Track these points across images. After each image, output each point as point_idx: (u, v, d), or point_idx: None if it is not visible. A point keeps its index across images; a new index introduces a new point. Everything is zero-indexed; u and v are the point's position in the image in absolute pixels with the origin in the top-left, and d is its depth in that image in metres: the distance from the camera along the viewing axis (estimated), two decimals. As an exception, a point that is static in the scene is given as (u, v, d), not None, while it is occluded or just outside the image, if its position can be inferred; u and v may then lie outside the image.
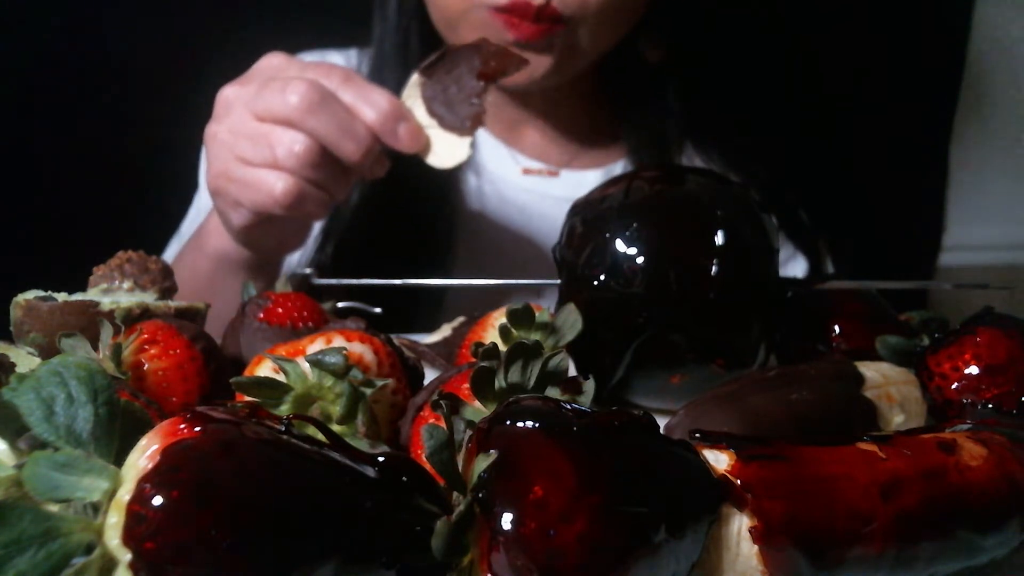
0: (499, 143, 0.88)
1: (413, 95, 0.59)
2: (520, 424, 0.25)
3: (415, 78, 0.59)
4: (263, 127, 0.56)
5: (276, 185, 0.56)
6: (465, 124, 0.58)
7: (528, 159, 0.87)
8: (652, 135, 0.86)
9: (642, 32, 0.78)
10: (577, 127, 0.89)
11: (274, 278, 0.60)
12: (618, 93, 0.87)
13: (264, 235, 0.63)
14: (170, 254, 0.83)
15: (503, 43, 0.66)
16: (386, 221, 0.79)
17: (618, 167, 0.88)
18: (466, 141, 0.58)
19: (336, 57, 0.90)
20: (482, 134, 0.88)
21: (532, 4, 0.66)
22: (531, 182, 0.86)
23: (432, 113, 0.58)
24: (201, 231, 0.69)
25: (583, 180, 0.86)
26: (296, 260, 0.81)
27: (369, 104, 0.57)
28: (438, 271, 0.80)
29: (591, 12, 0.68)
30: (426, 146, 0.58)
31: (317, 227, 0.79)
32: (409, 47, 0.79)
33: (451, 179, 0.84)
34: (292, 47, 0.92)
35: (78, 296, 0.42)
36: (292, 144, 0.55)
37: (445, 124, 0.58)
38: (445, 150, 0.58)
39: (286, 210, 0.57)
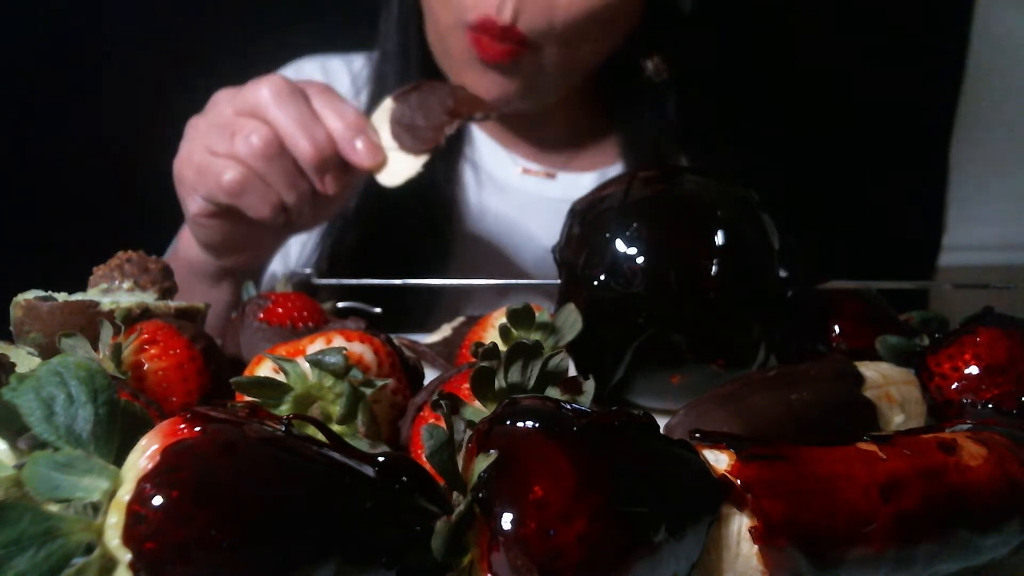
0: (497, 145, 0.88)
1: (382, 118, 0.62)
2: (520, 424, 0.25)
3: (387, 102, 0.62)
4: (236, 119, 0.58)
5: (225, 172, 0.57)
6: (420, 146, 0.61)
7: (526, 161, 0.88)
8: (647, 143, 0.87)
9: (639, 47, 0.78)
10: (573, 131, 0.89)
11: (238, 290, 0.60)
12: (614, 101, 0.88)
13: (219, 235, 0.63)
14: (167, 254, 0.84)
15: (473, 62, 0.70)
16: (385, 222, 0.80)
17: (613, 170, 0.89)
18: (419, 160, 0.61)
19: (337, 62, 0.91)
20: (480, 136, 0.89)
21: (497, 23, 0.67)
22: (528, 184, 0.87)
23: (395, 136, 0.61)
24: (178, 237, 0.71)
25: (579, 182, 0.87)
26: (295, 261, 0.81)
27: (336, 113, 0.58)
28: (438, 271, 0.81)
29: (556, 35, 0.69)
30: (381, 164, 0.60)
31: (319, 229, 0.79)
32: (410, 48, 0.80)
33: (450, 180, 0.85)
34: (296, 51, 0.93)
35: (78, 296, 0.42)
36: (251, 134, 0.57)
37: (404, 147, 0.61)
38: (398, 169, 0.61)
39: (230, 198, 0.58)
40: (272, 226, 0.62)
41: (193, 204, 0.61)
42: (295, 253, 0.81)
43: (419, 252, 0.81)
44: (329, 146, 0.58)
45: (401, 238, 0.81)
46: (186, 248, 0.68)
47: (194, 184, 0.60)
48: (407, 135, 0.60)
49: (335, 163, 0.59)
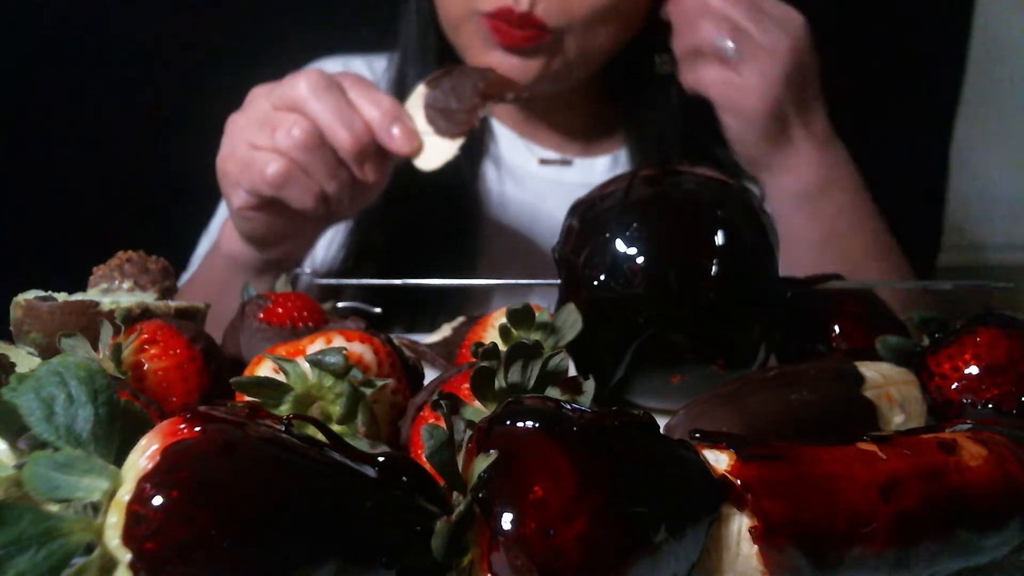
0: (515, 135, 0.90)
1: (416, 104, 0.63)
2: (520, 424, 0.25)
3: (420, 88, 0.64)
4: (275, 114, 0.60)
5: (268, 165, 0.59)
6: (455, 129, 0.62)
7: (542, 149, 0.90)
8: (651, 133, 0.88)
9: (649, 43, 0.79)
10: (586, 120, 0.91)
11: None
12: (621, 90, 0.89)
13: (263, 227, 0.65)
14: (201, 251, 0.85)
15: (492, 45, 0.71)
16: (411, 220, 0.81)
17: (623, 152, 0.91)
18: (455, 144, 0.62)
19: (358, 63, 0.93)
20: (498, 127, 0.91)
21: (514, 11, 0.69)
22: (546, 172, 0.89)
23: (429, 120, 0.62)
24: (219, 234, 0.72)
25: (594, 166, 0.90)
26: (321, 259, 0.82)
27: (372, 103, 0.60)
28: (463, 264, 0.83)
29: (576, 23, 0.71)
30: (418, 150, 0.62)
31: (345, 228, 0.80)
32: (428, 47, 0.82)
33: (472, 172, 0.87)
34: (319, 51, 0.93)
35: (78, 296, 0.42)
36: (292, 127, 0.59)
37: (439, 131, 0.62)
38: (434, 154, 0.62)
39: (274, 190, 0.60)
40: (313, 216, 0.64)
41: (237, 198, 0.62)
42: (321, 252, 0.82)
43: (445, 248, 0.83)
44: (367, 135, 0.60)
45: (427, 235, 0.83)
46: (228, 243, 0.70)
47: (238, 178, 0.61)
48: (442, 119, 0.62)
49: (373, 151, 0.61)
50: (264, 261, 0.69)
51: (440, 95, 0.63)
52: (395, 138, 0.60)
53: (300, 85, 0.59)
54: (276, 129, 0.59)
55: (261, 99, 0.61)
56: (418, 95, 0.63)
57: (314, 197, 0.61)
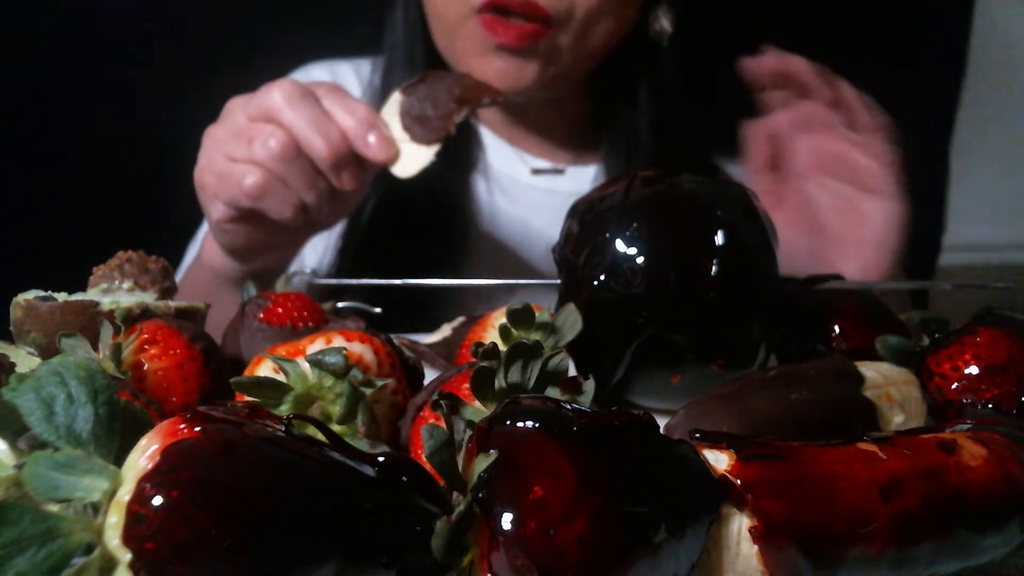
0: (506, 145, 0.90)
1: (391, 111, 0.63)
2: (520, 424, 0.25)
3: (396, 95, 0.63)
4: (251, 125, 0.60)
5: (246, 177, 0.59)
6: (431, 136, 0.62)
7: (535, 158, 0.89)
8: (642, 142, 0.88)
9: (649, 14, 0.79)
10: (576, 127, 0.90)
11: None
12: (610, 99, 0.89)
13: (243, 239, 0.65)
14: (188, 260, 0.85)
15: (488, 48, 0.70)
16: (402, 227, 0.81)
17: (611, 159, 0.90)
18: (431, 150, 0.62)
19: (344, 67, 0.93)
20: (489, 137, 0.90)
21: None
22: (538, 181, 0.89)
23: (405, 128, 0.62)
24: (201, 247, 0.72)
25: (585, 174, 0.89)
26: (319, 266, 0.81)
27: (347, 111, 0.60)
28: (456, 274, 0.82)
29: (578, 15, 0.70)
30: (395, 157, 0.62)
31: (337, 242, 0.80)
32: (415, 54, 0.81)
33: (463, 183, 0.86)
34: (306, 56, 0.93)
35: (78, 296, 0.42)
36: (268, 138, 0.59)
37: (415, 138, 0.62)
38: (411, 161, 0.62)
39: (252, 202, 0.60)
40: (293, 226, 0.64)
41: (216, 210, 0.62)
42: (311, 264, 0.82)
43: (436, 262, 0.82)
44: (343, 144, 0.60)
45: (417, 250, 0.82)
46: (209, 256, 0.69)
47: (216, 191, 0.61)
48: (417, 126, 0.62)
49: (350, 160, 0.61)
50: (245, 273, 0.68)
51: (416, 102, 0.62)
52: (371, 146, 0.60)
53: (275, 95, 0.59)
54: (252, 140, 0.59)
55: (237, 111, 0.61)
56: (394, 102, 0.63)
57: (293, 207, 0.61)
